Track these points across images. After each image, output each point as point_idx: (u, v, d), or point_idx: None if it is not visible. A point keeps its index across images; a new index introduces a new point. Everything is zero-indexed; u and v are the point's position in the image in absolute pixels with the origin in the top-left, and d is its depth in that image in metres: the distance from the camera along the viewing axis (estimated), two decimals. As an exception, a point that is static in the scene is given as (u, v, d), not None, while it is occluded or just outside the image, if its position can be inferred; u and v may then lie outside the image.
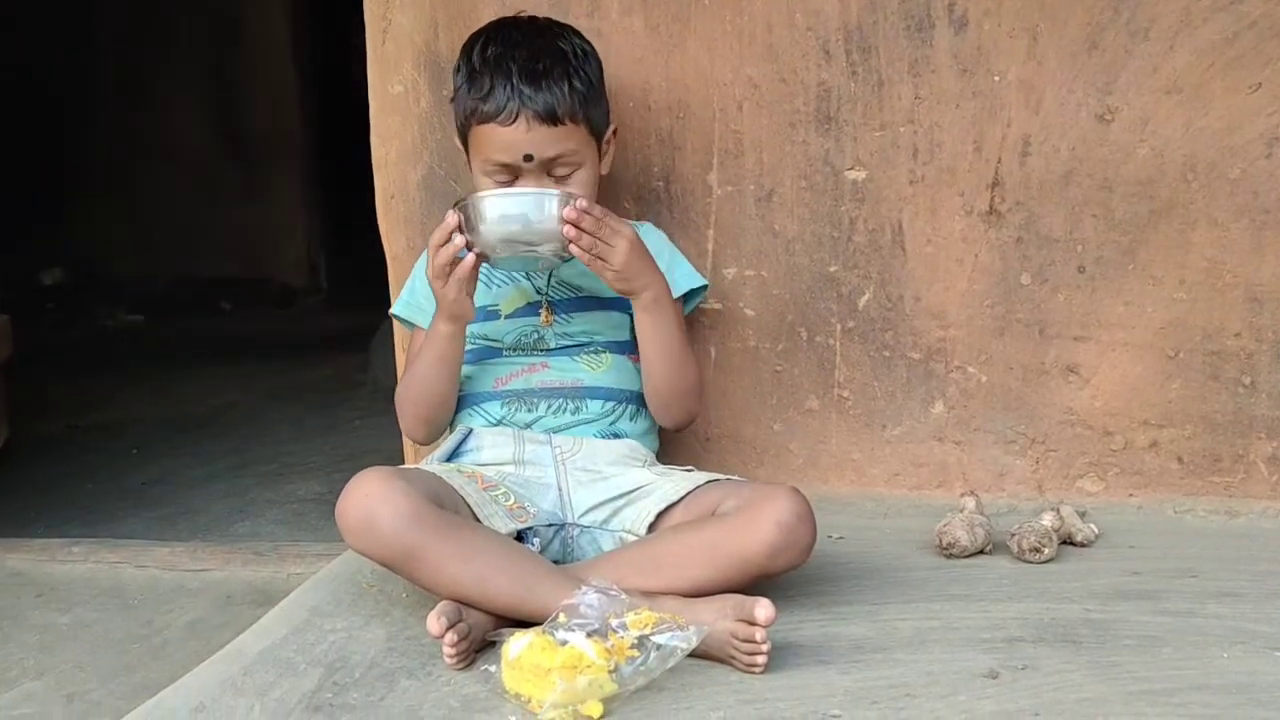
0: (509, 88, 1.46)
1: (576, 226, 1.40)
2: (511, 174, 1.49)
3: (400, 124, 1.78)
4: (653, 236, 1.64)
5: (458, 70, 1.55)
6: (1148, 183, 1.66)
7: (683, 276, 1.63)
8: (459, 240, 1.42)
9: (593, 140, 1.53)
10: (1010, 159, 1.68)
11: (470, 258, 1.43)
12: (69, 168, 5.08)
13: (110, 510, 2.47)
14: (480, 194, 1.44)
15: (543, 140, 1.46)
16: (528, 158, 1.47)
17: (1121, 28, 1.63)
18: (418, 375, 1.54)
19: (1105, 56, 1.64)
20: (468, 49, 1.54)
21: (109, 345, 4.26)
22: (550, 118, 1.46)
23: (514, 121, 1.46)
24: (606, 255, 1.43)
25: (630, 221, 1.66)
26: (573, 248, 1.42)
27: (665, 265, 1.60)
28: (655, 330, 1.51)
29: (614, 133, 1.60)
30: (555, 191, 1.44)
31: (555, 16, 1.63)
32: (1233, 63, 1.61)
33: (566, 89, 1.47)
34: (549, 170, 1.49)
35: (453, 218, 1.42)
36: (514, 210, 1.41)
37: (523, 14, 1.61)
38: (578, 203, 1.41)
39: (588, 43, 1.57)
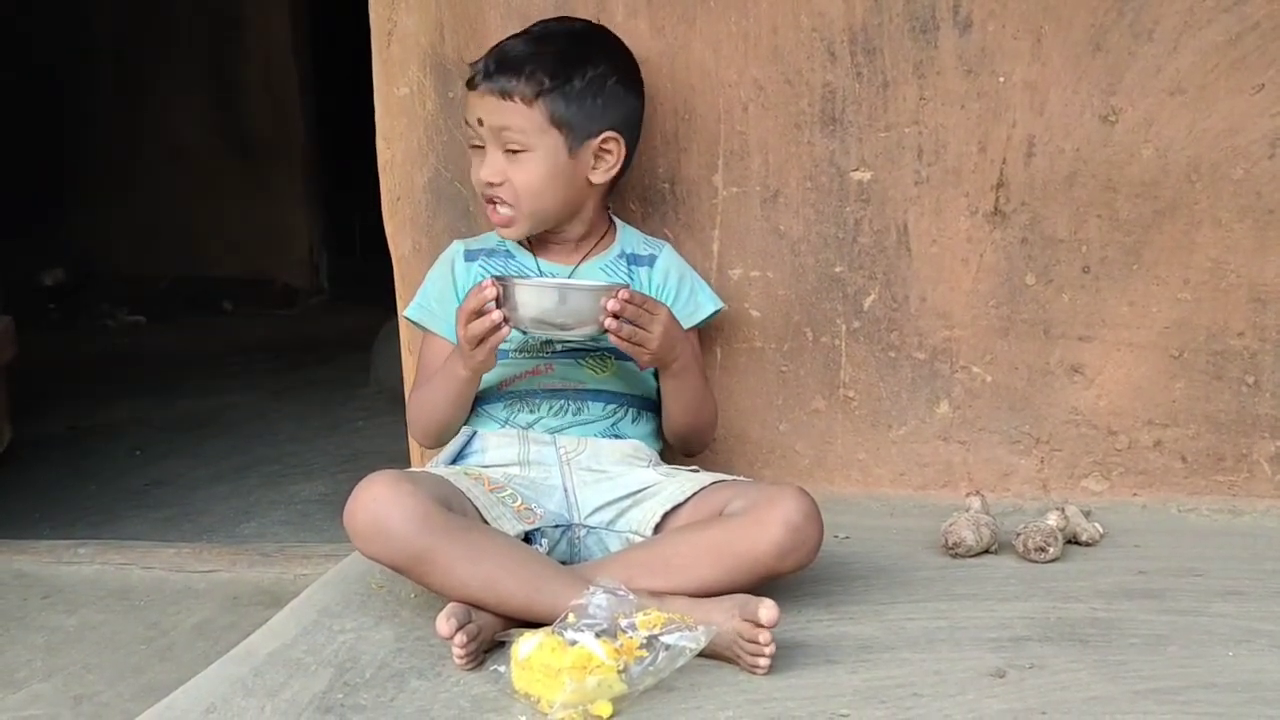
0: (490, 61, 1.52)
1: (616, 317, 1.41)
2: (478, 139, 1.54)
3: (406, 126, 1.78)
4: (674, 260, 1.66)
5: None
6: (1152, 183, 1.67)
7: (706, 300, 1.66)
8: (497, 315, 1.41)
9: (555, 133, 1.52)
10: (1015, 160, 1.68)
11: (505, 330, 1.43)
12: (69, 168, 5.08)
13: (114, 511, 2.47)
14: (518, 280, 1.45)
15: (492, 110, 1.51)
16: (480, 122, 1.52)
17: (1125, 29, 1.63)
18: (430, 402, 1.56)
19: (1109, 58, 1.64)
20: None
21: (110, 346, 4.26)
22: (502, 92, 1.51)
23: (477, 87, 1.53)
24: (644, 341, 1.45)
25: (649, 239, 1.67)
26: (612, 337, 1.43)
27: (687, 293, 1.63)
28: (680, 392, 1.56)
29: (607, 143, 1.55)
30: (594, 285, 1.46)
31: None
32: (1236, 64, 1.62)
33: (539, 75, 1.50)
34: (501, 143, 1.52)
35: (492, 289, 1.41)
36: (550, 299, 1.42)
37: (568, 15, 1.65)
38: (619, 293, 1.42)
39: (617, 66, 1.57)
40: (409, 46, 1.76)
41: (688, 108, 1.73)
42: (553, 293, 1.43)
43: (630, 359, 1.57)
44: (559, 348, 1.56)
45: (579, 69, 1.53)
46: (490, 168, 1.53)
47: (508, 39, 1.57)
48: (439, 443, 1.60)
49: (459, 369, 1.50)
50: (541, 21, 1.62)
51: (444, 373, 1.54)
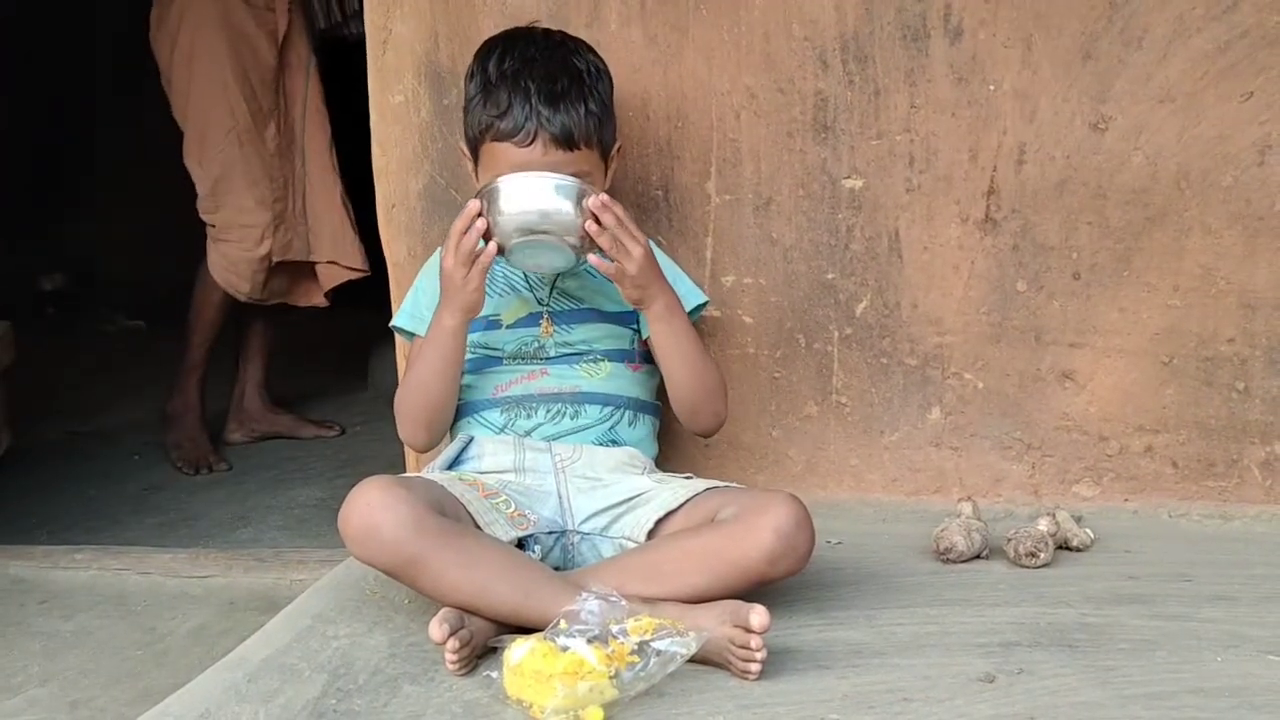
0: (527, 107, 1.46)
1: (599, 222, 1.41)
2: None
3: (401, 133, 1.79)
4: (656, 255, 1.66)
5: (471, 78, 1.56)
6: (1141, 190, 1.67)
7: (690, 293, 1.64)
8: (481, 224, 1.42)
9: (602, 162, 1.55)
10: (1006, 167, 1.69)
11: (491, 246, 1.43)
12: (69, 172, 5.08)
13: (112, 516, 2.47)
14: (501, 179, 1.43)
15: (557, 163, 1.47)
16: None
17: (1115, 37, 1.64)
18: (419, 379, 1.54)
19: (1099, 65, 1.65)
20: (482, 58, 1.55)
21: (109, 351, 4.26)
22: (567, 142, 1.47)
23: (531, 143, 1.47)
24: (625, 260, 1.44)
25: None
26: (596, 249, 1.42)
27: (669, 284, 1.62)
28: (672, 338, 1.52)
29: (619, 150, 1.60)
30: (576, 181, 1.43)
31: (555, 28, 1.64)
32: (1225, 72, 1.63)
33: (583, 112, 1.48)
34: None
35: (475, 204, 1.42)
36: (535, 193, 1.41)
37: (536, 24, 1.63)
38: (601, 196, 1.42)
39: (600, 60, 1.58)
40: (403, 54, 1.77)
41: (680, 115, 1.74)
42: (537, 181, 1.41)
43: (622, 361, 1.58)
44: (553, 353, 1.57)
45: (601, 80, 1.54)
46: None
47: (516, 74, 1.49)
48: (430, 433, 1.58)
49: (445, 320, 1.49)
50: (515, 37, 1.57)
51: (430, 339, 1.53)
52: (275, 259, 2.72)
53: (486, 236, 1.44)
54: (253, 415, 2.99)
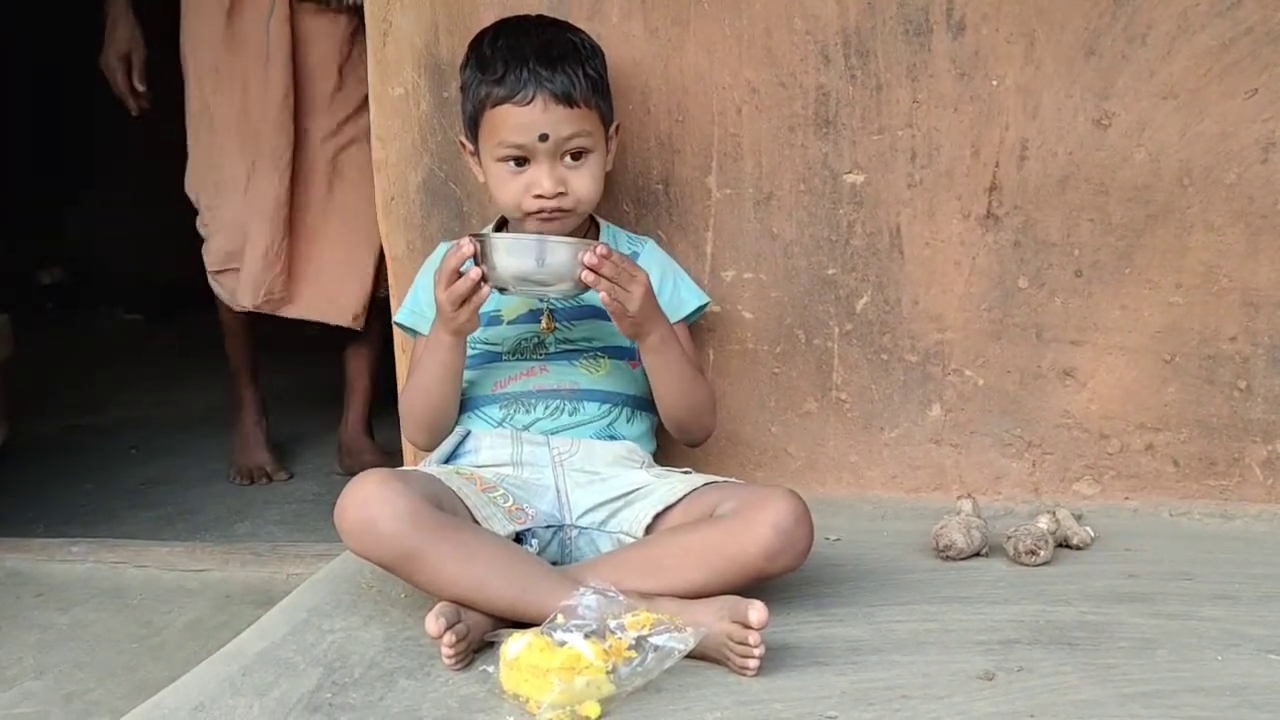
0: (525, 70, 1.48)
1: (596, 272, 1.40)
2: (525, 157, 1.50)
3: (400, 126, 1.79)
4: (656, 256, 1.65)
5: (466, 65, 1.57)
6: (1144, 187, 1.67)
7: (690, 295, 1.64)
8: (476, 273, 1.41)
9: (603, 130, 1.55)
10: (1008, 163, 1.69)
11: (486, 289, 1.43)
12: (69, 166, 5.08)
13: (109, 510, 2.47)
14: (496, 235, 1.44)
15: (559, 120, 1.48)
16: (543, 137, 1.48)
17: (1119, 33, 1.64)
18: (421, 386, 1.55)
19: (1102, 61, 1.65)
20: (476, 43, 1.57)
21: (108, 345, 4.26)
22: (566, 98, 1.48)
23: (531, 101, 1.48)
24: (625, 301, 1.43)
25: (634, 236, 1.68)
26: (603, 295, 1.42)
27: (671, 287, 1.62)
28: (665, 369, 1.53)
29: (616, 129, 1.61)
30: (572, 240, 1.44)
31: (555, 20, 1.64)
32: (1229, 68, 1.62)
33: (581, 73, 1.50)
34: (562, 153, 1.50)
35: (469, 246, 1.40)
36: (529, 254, 1.41)
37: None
38: (597, 248, 1.40)
39: (593, 40, 1.60)
40: (404, 47, 1.77)
41: (681, 110, 1.73)
42: (531, 246, 1.41)
43: (622, 358, 1.58)
44: (553, 349, 1.57)
45: (595, 55, 1.56)
46: (552, 180, 1.49)
47: (511, 46, 1.51)
48: (432, 435, 1.58)
49: (442, 335, 1.49)
50: (507, 22, 1.59)
51: (429, 347, 1.53)
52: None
53: (483, 278, 1.42)
54: (350, 449, 2.75)
